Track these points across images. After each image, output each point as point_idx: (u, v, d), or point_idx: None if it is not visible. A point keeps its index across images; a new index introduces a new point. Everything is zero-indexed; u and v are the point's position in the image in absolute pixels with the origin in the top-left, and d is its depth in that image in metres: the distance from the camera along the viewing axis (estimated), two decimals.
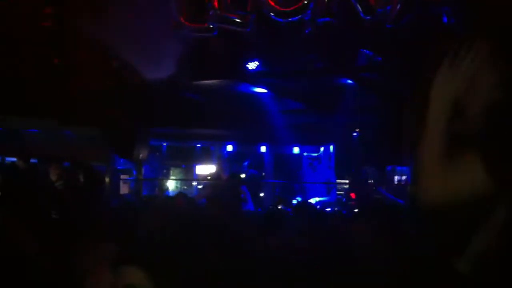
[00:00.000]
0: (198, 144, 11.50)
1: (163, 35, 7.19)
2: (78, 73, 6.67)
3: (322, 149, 10.67)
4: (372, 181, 9.47)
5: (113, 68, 6.95)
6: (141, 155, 8.95)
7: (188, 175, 11.54)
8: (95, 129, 8.38)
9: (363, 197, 8.05)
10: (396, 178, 9.02)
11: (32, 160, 8.36)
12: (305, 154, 9.22)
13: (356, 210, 8.39)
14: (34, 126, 9.13)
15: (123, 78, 6.91)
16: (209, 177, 10.95)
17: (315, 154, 9.40)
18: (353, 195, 9.55)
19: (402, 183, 8.79)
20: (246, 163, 9.21)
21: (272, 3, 7.18)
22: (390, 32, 6.74)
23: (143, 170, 10.05)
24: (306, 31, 7.43)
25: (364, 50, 7.29)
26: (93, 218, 4.02)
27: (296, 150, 10.48)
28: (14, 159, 7.30)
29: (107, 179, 8.80)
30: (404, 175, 8.72)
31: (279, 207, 7.96)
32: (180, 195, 6.66)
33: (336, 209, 8.97)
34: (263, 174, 10.29)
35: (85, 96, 7.04)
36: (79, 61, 7.03)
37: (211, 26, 7.58)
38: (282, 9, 7.25)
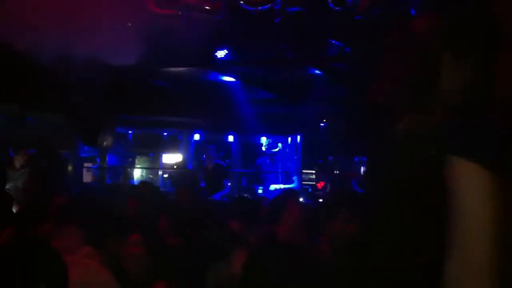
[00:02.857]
0: (165, 132, 11.38)
1: (132, 21, 7.05)
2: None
3: (289, 139, 10.73)
4: (338, 171, 9.60)
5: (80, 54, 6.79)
6: (105, 142, 8.79)
7: (155, 164, 11.41)
8: (59, 115, 8.17)
9: (333, 188, 8.14)
10: (362, 169, 9.15)
11: None
12: (263, 148, 9.26)
13: (320, 200, 8.50)
14: None
15: (89, 64, 6.75)
16: (175, 166, 10.88)
17: (275, 150, 9.43)
18: (319, 185, 9.65)
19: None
20: (211, 152, 9.16)
21: None
22: (359, 23, 6.79)
23: (107, 158, 9.89)
24: (276, 20, 7.42)
25: (334, 41, 7.33)
26: (56, 204, 3.94)
27: (263, 140, 10.51)
28: None
29: (70, 167, 8.63)
30: None
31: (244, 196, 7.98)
32: (143, 183, 6.61)
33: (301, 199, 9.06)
34: (228, 163, 10.27)
35: (49, 81, 6.85)
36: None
37: (180, 12, 7.48)
38: None
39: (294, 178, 8.83)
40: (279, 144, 8.80)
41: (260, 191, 9.24)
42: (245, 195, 7.22)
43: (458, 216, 1.23)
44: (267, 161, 9.39)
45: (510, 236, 1.17)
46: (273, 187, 8.70)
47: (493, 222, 1.18)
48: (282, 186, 8.58)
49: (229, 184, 8.88)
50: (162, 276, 2.53)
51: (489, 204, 1.18)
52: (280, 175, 9.63)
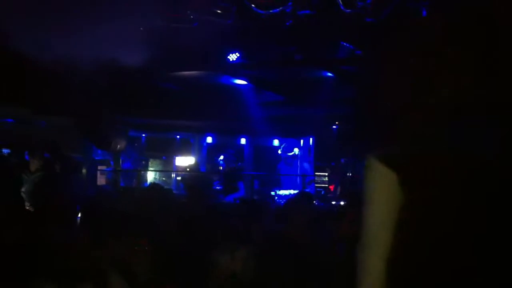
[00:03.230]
0: (178, 135, 11.45)
1: (144, 24, 7.12)
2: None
3: (302, 141, 10.72)
4: (351, 174, 9.56)
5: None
6: (119, 146, 8.87)
7: (168, 167, 11.48)
8: (72, 119, 8.27)
9: (343, 190, 8.10)
10: None
11: (5, 150, 8.23)
12: (279, 152, 9.24)
13: (333, 203, 8.48)
14: (9, 115, 8.97)
15: (102, 67, 6.83)
16: (188, 169, 10.94)
17: (291, 153, 9.42)
18: (332, 187, 9.63)
19: None
20: (229, 156, 9.23)
21: None
22: (370, 26, 6.78)
23: (121, 161, 9.97)
24: (287, 23, 7.44)
25: (345, 43, 7.32)
26: (70, 208, 3.98)
27: (275, 142, 10.51)
28: None
29: (84, 170, 8.72)
30: None
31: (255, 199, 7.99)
32: (153, 185, 6.66)
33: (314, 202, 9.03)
34: (240, 165, 10.30)
35: (60, 84, 6.94)
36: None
37: (192, 16, 7.53)
38: (263, 0, 7.23)
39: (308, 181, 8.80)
40: (296, 149, 8.79)
41: (273, 193, 9.25)
42: (254, 198, 7.24)
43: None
44: (284, 166, 9.40)
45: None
46: (282, 192, 8.68)
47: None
48: (292, 191, 8.56)
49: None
50: (169, 277, 2.56)
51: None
52: (293, 178, 9.63)
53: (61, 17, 5.70)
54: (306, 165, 10.31)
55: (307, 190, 8.50)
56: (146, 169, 11.23)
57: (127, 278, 2.41)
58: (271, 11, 7.27)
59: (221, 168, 9.42)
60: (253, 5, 7.27)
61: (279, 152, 9.06)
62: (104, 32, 6.28)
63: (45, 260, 2.28)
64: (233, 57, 8.03)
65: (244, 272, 2.25)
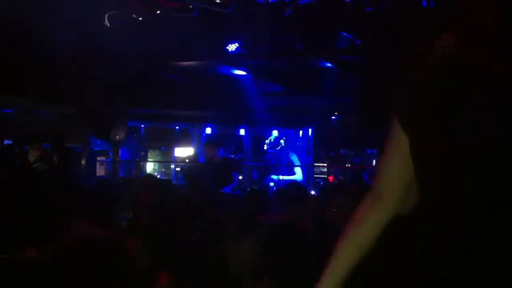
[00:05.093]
0: (177, 126, 11.44)
1: (142, 14, 7.07)
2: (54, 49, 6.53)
3: (301, 132, 10.71)
4: (350, 164, 9.57)
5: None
6: (118, 136, 8.85)
7: (167, 158, 11.48)
8: (71, 109, 8.25)
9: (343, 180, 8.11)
10: (374, 162, 9.11)
11: (7, 141, 8.21)
12: (265, 148, 9.15)
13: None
14: (7, 105, 8.95)
15: (100, 57, 6.79)
16: (187, 160, 10.94)
17: (278, 148, 9.36)
18: (331, 178, 9.64)
19: None
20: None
21: None
22: (370, 16, 6.74)
23: (120, 152, 9.96)
24: (287, 13, 7.39)
25: (345, 33, 7.29)
26: (71, 198, 3.99)
27: (275, 133, 10.49)
28: None
29: (83, 160, 8.71)
30: None
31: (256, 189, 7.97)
32: (148, 176, 6.65)
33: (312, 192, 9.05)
34: (240, 156, 10.29)
35: (59, 74, 6.91)
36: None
37: (190, 6, 7.48)
38: None
39: (296, 169, 8.71)
40: (281, 141, 8.72)
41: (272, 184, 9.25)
42: (256, 188, 7.24)
43: None
44: (272, 160, 9.35)
45: None
46: (275, 177, 8.63)
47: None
48: (282, 177, 8.51)
49: (240, 177, 8.88)
50: (167, 266, 2.57)
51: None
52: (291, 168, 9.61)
53: (60, 5, 5.66)
54: (304, 155, 10.30)
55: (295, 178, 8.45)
56: (145, 159, 11.22)
57: (123, 265, 2.41)
58: (270, 0, 7.23)
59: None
60: None
61: (265, 148, 8.95)
62: (103, 21, 6.24)
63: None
64: (232, 47, 7.99)
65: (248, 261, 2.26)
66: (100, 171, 9.81)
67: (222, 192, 6.81)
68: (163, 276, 2.58)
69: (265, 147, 8.93)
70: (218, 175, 7.80)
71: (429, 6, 6.28)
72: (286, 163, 9.20)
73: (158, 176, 10.75)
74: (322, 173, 10.00)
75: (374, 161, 9.15)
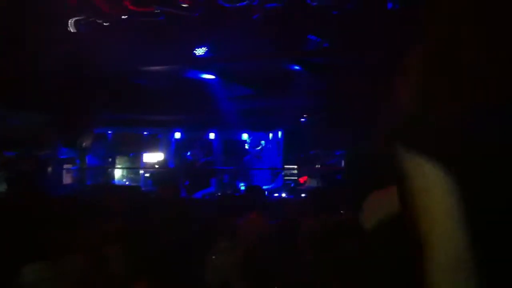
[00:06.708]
0: (145, 131, 11.31)
1: (109, 19, 6.99)
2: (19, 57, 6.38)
3: (271, 135, 10.74)
4: (320, 166, 9.64)
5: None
6: (85, 142, 8.70)
7: (135, 164, 11.32)
8: (36, 116, 8.06)
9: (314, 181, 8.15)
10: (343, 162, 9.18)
11: None
12: (246, 146, 9.17)
13: (303, 195, 8.53)
14: None
15: (67, 63, 6.67)
16: (156, 165, 10.83)
17: (258, 147, 9.41)
18: (301, 180, 9.69)
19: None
20: (197, 151, 9.18)
21: None
22: (336, 18, 6.84)
23: (87, 159, 9.78)
24: (254, 17, 7.42)
25: (312, 36, 7.36)
26: (37, 207, 3.90)
27: (244, 136, 10.49)
28: None
29: (49, 168, 8.52)
30: None
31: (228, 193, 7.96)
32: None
33: (283, 194, 9.09)
34: (210, 160, 10.26)
35: (26, 81, 6.75)
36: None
37: (158, 10, 7.44)
38: None
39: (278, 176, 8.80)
40: (262, 142, 8.77)
41: (242, 188, 9.25)
42: (228, 192, 7.22)
43: (417, 215, 1.22)
44: (253, 160, 9.38)
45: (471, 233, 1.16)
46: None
47: (453, 218, 1.17)
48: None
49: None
50: (144, 273, 2.54)
51: (448, 201, 1.17)
52: (262, 171, 9.64)
53: (27, 8, 5.55)
54: (274, 158, 10.34)
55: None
56: (113, 166, 11.04)
57: (100, 272, 2.37)
58: (238, 4, 7.25)
59: (190, 163, 9.36)
60: None
61: (246, 147, 9.03)
62: (70, 28, 6.14)
63: None
64: (200, 51, 7.97)
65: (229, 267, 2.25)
66: (67, 179, 9.61)
67: (193, 198, 6.79)
68: (140, 284, 2.55)
69: (246, 146, 8.96)
70: (197, 180, 7.78)
71: (394, 8, 6.42)
72: (268, 165, 9.24)
73: (127, 183, 10.63)
74: (293, 175, 10.03)
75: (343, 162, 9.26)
